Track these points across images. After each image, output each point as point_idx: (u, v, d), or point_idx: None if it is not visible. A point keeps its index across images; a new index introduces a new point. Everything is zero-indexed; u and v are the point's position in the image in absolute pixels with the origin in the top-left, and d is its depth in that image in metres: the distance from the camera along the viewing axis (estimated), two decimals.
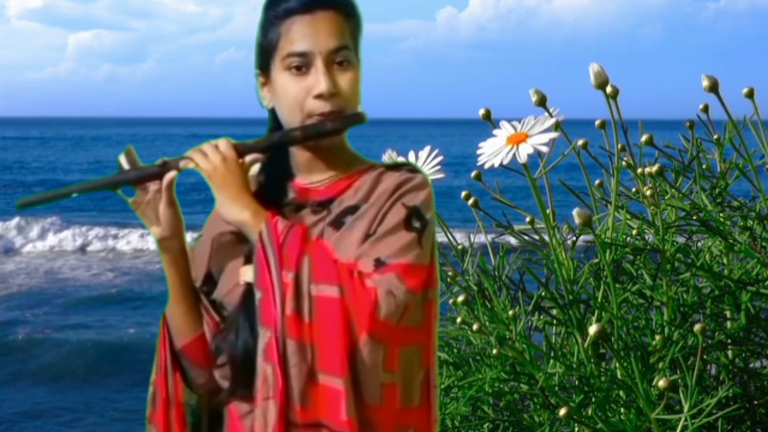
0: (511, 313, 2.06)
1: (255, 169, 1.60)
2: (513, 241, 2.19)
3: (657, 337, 1.96)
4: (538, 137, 1.82)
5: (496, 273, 2.20)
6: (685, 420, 1.76)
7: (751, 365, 2.20)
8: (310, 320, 1.45)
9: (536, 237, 2.11)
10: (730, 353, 2.13)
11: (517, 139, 1.83)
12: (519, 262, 2.17)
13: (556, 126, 1.94)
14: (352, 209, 1.55)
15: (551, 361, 2.07)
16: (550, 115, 1.94)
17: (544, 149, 1.82)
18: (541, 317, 2.16)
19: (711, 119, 2.28)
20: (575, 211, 1.88)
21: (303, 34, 1.55)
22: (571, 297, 1.98)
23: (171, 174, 1.56)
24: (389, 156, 2.11)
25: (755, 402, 2.09)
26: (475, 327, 2.01)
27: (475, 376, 2.14)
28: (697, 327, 1.78)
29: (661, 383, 1.75)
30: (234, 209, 1.52)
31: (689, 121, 2.28)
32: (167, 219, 1.56)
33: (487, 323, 2.07)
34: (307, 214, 1.58)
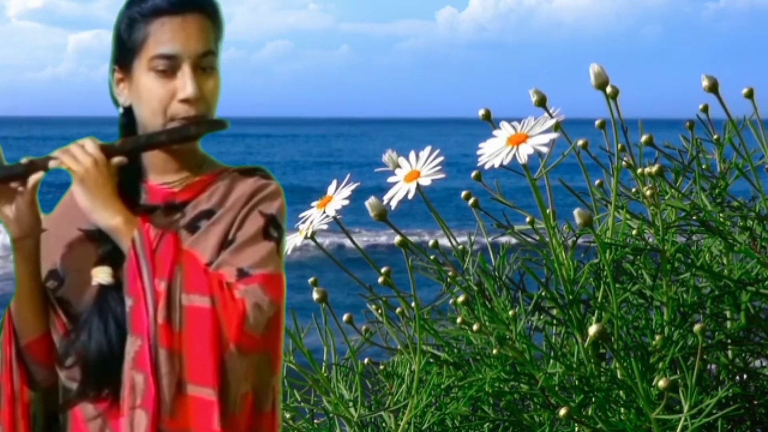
0: (511, 313, 2.06)
1: None
2: (513, 240, 2.19)
3: (657, 337, 1.96)
4: (538, 138, 1.82)
5: (496, 273, 2.20)
6: (685, 420, 1.76)
7: (751, 365, 2.20)
8: (180, 330, 1.46)
9: (536, 237, 2.11)
10: (730, 353, 2.13)
11: (517, 140, 1.83)
12: (519, 262, 2.17)
13: (556, 126, 1.94)
14: (207, 213, 1.55)
15: (551, 361, 2.07)
16: (550, 116, 1.94)
17: (545, 150, 1.82)
18: (541, 317, 2.16)
19: (711, 119, 2.29)
20: (576, 212, 1.89)
21: (173, 36, 1.54)
22: (571, 297, 1.98)
23: (37, 175, 1.54)
24: (389, 156, 2.11)
25: (755, 402, 2.09)
26: (475, 327, 2.01)
27: (475, 376, 2.14)
28: (697, 327, 1.78)
29: (661, 383, 1.75)
30: (105, 214, 1.51)
31: (689, 121, 2.28)
32: (27, 219, 1.55)
33: (487, 323, 2.07)
34: (159, 216, 1.57)
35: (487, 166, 1.86)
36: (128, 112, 1.60)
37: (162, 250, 1.49)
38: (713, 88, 2.07)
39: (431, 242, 2.26)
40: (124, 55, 1.58)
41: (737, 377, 2.15)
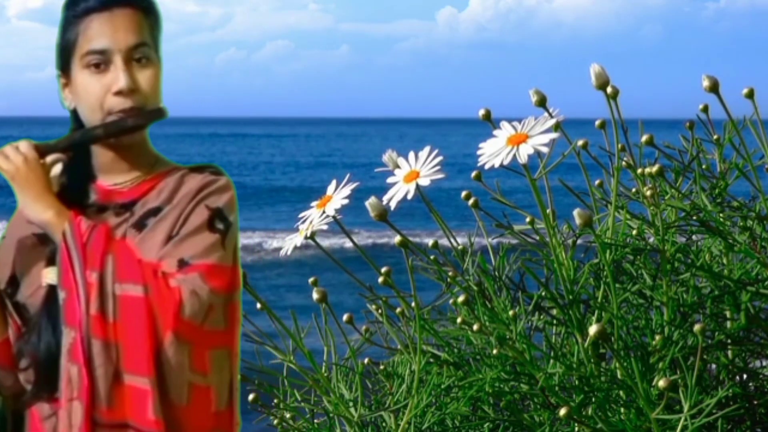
0: (511, 313, 2.06)
1: (57, 170, 1.59)
2: (513, 240, 2.19)
3: (657, 337, 1.96)
4: (539, 138, 1.82)
5: (497, 273, 2.20)
6: (685, 420, 1.76)
7: (751, 365, 2.20)
8: (114, 320, 1.46)
9: (536, 237, 2.11)
10: (730, 353, 2.13)
11: (517, 140, 1.83)
12: (519, 262, 2.17)
13: (557, 126, 1.94)
14: (155, 211, 1.56)
15: (551, 361, 2.07)
16: (550, 116, 1.94)
17: (545, 150, 1.83)
18: (542, 317, 2.16)
19: (711, 119, 2.29)
20: (576, 212, 1.89)
21: (101, 31, 1.55)
22: (571, 297, 1.98)
23: None
24: (389, 156, 2.11)
25: (755, 402, 2.09)
26: (475, 327, 2.01)
27: (476, 376, 2.14)
28: (697, 327, 1.78)
29: (661, 383, 1.75)
30: (37, 209, 1.52)
31: (689, 121, 2.28)
32: None
33: (487, 323, 2.07)
34: (109, 216, 1.58)
35: (487, 166, 1.87)
36: (76, 114, 1.61)
37: (93, 242, 1.49)
38: (714, 88, 2.07)
39: (431, 242, 2.26)
40: (63, 58, 1.60)
41: (737, 377, 2.15)
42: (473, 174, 2.16)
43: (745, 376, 2.15)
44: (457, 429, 2.25)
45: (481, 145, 1.89)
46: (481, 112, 2.05)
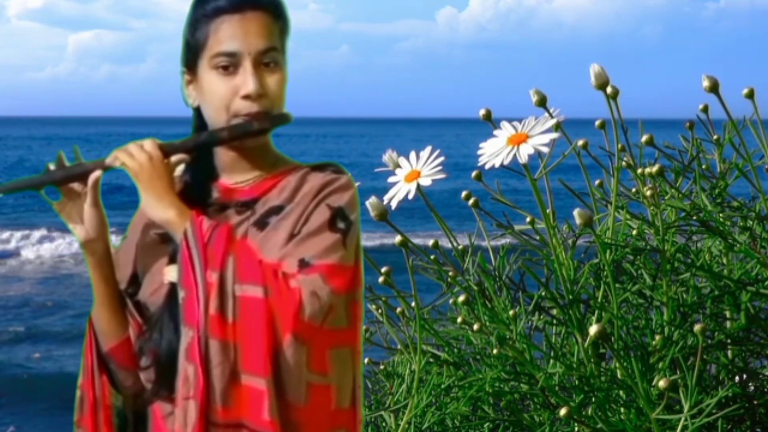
0: (511, 313, 2.06)
1: (179, 169, 1.59)
2: (512, 240, 2.19)
3: (657, 337, 1.96)
4: (539, 138, 1.82)
5: (497, 273, 2.20)
6: (685, 420, 1.76)
7: (751, 365, 2.20)
8: (234, 320, 1.45)
9: (537, 237, 2.12)
10: (730, 353, 2.13)
11: (517, 140, 1.83)
12: (519, 262, 2.18)
13: (557, 126, 1.94)
14: (277, 209, 1.55)
15: (551, 361, 2.07)
16: (551, 116, 1.94)
17: (545, 150, 1.83)
18: (542, 317, 2.16)
19: (711, 119, 2.29)
20: (576, 212, 1.89)
21: (232, 34, 1.55)
22: (571, 297, 1.98)
23: (96, 174, 1.55)
24: (390, 156, 2.11)
25: (755, 402, 2.09)
26: (475, 327, 2.02)
27: (476, 376, 2.14)
28: (697, 327, 1.79)
29: (661, 383, 1.75)
30: (159, 208, 1.51)
31: (689, 121, 2.28)
32: (91, 220, 1.55)
33: (487, 323, 2.07)
34: (231, 214, 1.57)
35: (487, 166, 1.87)
36: (199, 112, 1.61)
37: (214, 242, 1.48)
38: (714, 88, 2.07)
39: (431, 242, 2.26)
40: (190, 56, 1.59)
41: (737, 377, 2.15)
42: (473, 174, 2.16)
43: (745, 376, 2.16)
44: (457, 429, 2.25)
45: (481, 144, 1.89)
46: (482, 112, 2.05)
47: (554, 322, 2.14)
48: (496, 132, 1.90)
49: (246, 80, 1.54)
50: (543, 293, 2.03)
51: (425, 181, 1.95)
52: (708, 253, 2.16)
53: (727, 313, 2.11)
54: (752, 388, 2.15)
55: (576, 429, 2.01)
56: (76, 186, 1.56)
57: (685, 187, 2.22)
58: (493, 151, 1.86)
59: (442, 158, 1.95)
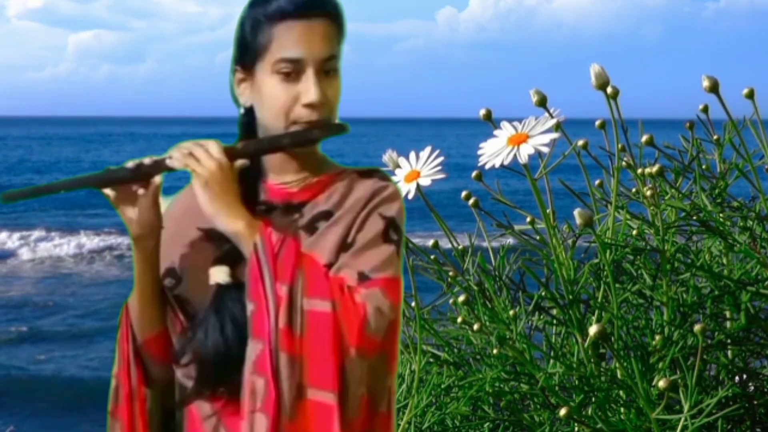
0: (511, 313, 2.06)
1: None
2: (512, 240, 2.19)
3: (657, 337, 1.96)
4: (539, 138, 1.82)
5: (497, 273, 2.20)
6: (685, 420, 1.77)
7: (751, 365, 2.20)
8: (301, 334, 1.45)
9: (537, 237, 2.12)
10: (730, 353, 2.13)
11: (517, 140, 1.83)
12: (519, 262, 2.18)
13: (557, 126, 1.94)
14: (326, 215, 1.54)
15: (551, 361, 2.07)
16: (551, 116, 1.94)
17: (545, 150, 1.83)
18: (542, 317, 2.16)
19: (711, 119, 2.29)
20: (576, 212, 1.89)
21: (297, 40, 1.53)
22: (571, 297, 1.98)
23: (159, 179, 1.54)
24: (390, 156, 2.11)
25: (755, 402, 2.09)
26: (475, 327, 2.02)
27: (476, 376, 2.14)
28: (697, 327, 1.79)
29: (661, 383, 1.75)
30: (228, 219, 1.50)
31: (689, 121, 2.28)
32: (148, 218, 1.55)
33: (487, 323, 2.07)
34: (278, 215, 1.56)
35: (487, 166, 1.87)
36: (249, 112, 1.60)
37: (284, 255, 1.47)
38: (714, 88, 2.07)
39: (431, 242, 2.27)
40: (247, 56, 1.58)
41: (737, 377, 2.15)
42: (474, 174, 2.16)
43: (745, 376, 2.16)
44: (457, 429, 2.25)
45: (481, 144, 1.90)
46: (482, 112, 2.06)
47: (554, 322, 2.14)
48: (496, 132, 1.90)
49: (309, 88, 1.53)
50: (543, 293, 2.03)
51: (425, 181, 1.95)
52: (708, 253, 2.16)
53: (727, 313, 2.11)
54: (752, 388, 2.15)
55: (576, 429, 2.01)
56: (134, 186, 1.55)
57: (685, 187, 2.22)
58: (493, 151, 1.86)
59: (441, 158, 1.95)
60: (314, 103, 1.53)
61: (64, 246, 21.52)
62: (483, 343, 2.20)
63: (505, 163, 1.83)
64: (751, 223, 2.09)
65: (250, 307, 1.47)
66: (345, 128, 1.58)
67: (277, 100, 1.54)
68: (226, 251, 1.53)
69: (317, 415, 1.45)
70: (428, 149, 1.99)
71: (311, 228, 1.54)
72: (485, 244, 2.28)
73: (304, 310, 1.45)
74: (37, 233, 22.52)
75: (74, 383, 10.70)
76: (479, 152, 1.89)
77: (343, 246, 1.51)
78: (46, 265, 19.76)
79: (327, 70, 1.55)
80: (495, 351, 2.07)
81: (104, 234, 22.43)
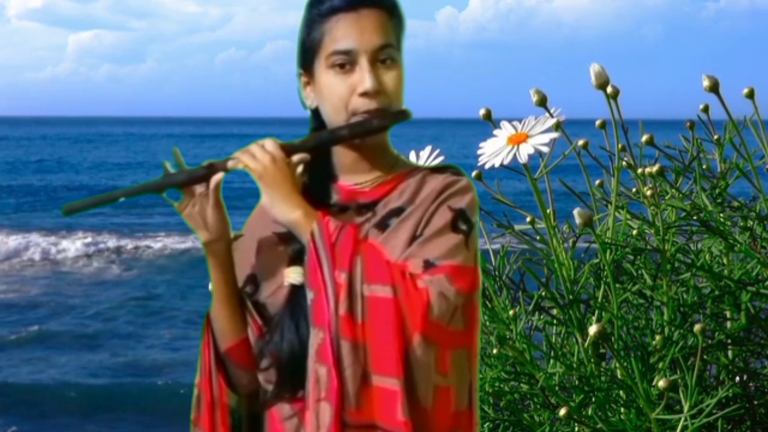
0: (511, 312, 2.06)
1: (299, 169, 1.58)
2: (513, 240, 2.19)
3: (657, 337, 1.96)
4: (539, 137, 1.82)
5: (497, 273, 2.20)
6: (685, 420, 1.76)
7: (751, 365, 2.20)
8: (363, 321, 1.44)
9: (537, 237, 2.12)
10: (730, 353, 2.13)
11: (517, 140, 1.83)
12: (519, 262, 2.18)
13: (557, 126, 1.94)
14: (398, 211, 1.54)
15: (551, 360, 2.07)
16: (551, 116, 1.94)
17: (545, 149, 1.83)
18: (542, 317, 2.16)
19: (711, 119, 2.29)
20: (576, 212, 1.89)
21: (347, 32, 1.54)
22: (571, 297, 1.98)
23: (218, 176, 1.54)
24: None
25: (755, 402, 2.09)
26: None
27: None
28: (697, 327, 1.79)
29: (661, 383, 1.75)
30: (285, 209, 1.50)
31: (689, 121, 2.28)
32: (214, 222, 1.55)
33: (487, 323, 2.07)
34: (351, 215, 1.56)
35: (487, 166, 1.87)
36: (317, 114, 1.60)
37: (342, 242, 1.48)
38: (714, 88, 2.07)
39: None
40: (307, 57, 1.59)
41: (737, 377, 2.15)
42: (474, 174, 2.16)
43: (745, 376, 2.16)
44: None
45: (481, 144, 1.89)
46: (482, 111, 2.06)
47: (554, 322, 2.14)
48: (496, 132, 1.90)
49: (363, 77, 1.53)
50: (543, 293, 2.03)
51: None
52: (708, 253, 2.16)
53: (728, 313, 2.11)
54: (752, 388, 2.15)
55: (576, 429, 2.01)
56: (197, 188, 1.55)
57: (686, 187, 2.22)
58: (493, 151, 1.86)
59: (441, 158, 1.95)
60: (369, 92, 1.53)
61: (63, 246, 21.54)
62: (483, 342, 2.20)
63: (505, 162, 1.83)
64: (751, 223, 2.09)
65: (309, 295, 1.47)
66: (407, 114, 1.57)
67: (334, 93, 1.55)
68: (298, 251, 1.53)
69: (382, 402, 1.44)
70: (428, 149, 1.99)
71: (383, 225, 1.54)
72: (485, 244, 2.28)
73: (365, 296, 1.45)
74: (38, 233, 22.53)
75: (77, 386, 10.71)
76: (479, 152, 1.89)
77: (414, 240, 1.51)
78: (47, 266, 19.77)
79: (383, 59, 1.55)
80: (495, 351, 2.07)
81: (105, 234, 22.45)
